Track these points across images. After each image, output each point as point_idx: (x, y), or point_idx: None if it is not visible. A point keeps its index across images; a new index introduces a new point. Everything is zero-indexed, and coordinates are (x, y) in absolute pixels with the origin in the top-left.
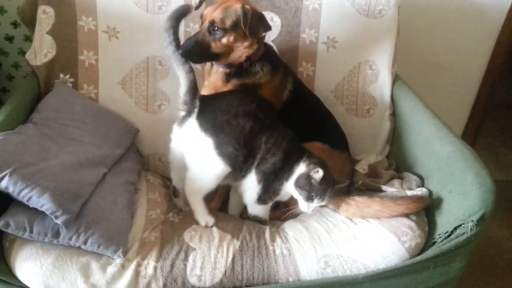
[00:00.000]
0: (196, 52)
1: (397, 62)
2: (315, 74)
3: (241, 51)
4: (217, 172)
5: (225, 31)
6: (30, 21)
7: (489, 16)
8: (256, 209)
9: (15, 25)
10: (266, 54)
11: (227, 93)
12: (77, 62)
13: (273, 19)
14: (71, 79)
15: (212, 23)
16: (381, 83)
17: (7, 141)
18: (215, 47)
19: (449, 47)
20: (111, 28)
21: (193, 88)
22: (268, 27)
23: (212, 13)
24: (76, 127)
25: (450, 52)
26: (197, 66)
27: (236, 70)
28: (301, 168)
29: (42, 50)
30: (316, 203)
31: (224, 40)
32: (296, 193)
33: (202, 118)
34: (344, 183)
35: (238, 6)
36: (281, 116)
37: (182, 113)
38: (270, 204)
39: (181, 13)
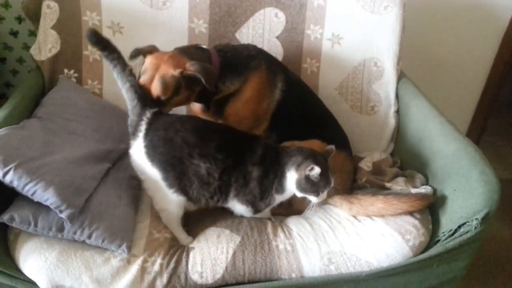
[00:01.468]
0: None
1: (402, 59)
2: (319, 70)
3: (188, 101)
4: (174, 203)
5: (170, 98)
6: (34, 16)
7: (495, 14)
8: (254, 216)
9: (19, 20)
10: (222, 67)
11: (186, 122)
12: (81, 57)
13: (278, 15)
14: (76, 74)
15: (158, 99)
16: (386, 80)
17: (11, 135)
18: (165, 109)
19: (454, 45)
20: (116, 24)
21: (139, 101)
22: (211, 79)
23: (150, 84)
24: (80, 122)
25: (456, 49)
26: None
27: (203, 97)
28: (291, 176)
29: (46, 45)
30: (326, 190)
31: (170, 105)
32: (304, 195)
33: (149, 147)
34: (331, 150)
35: (172, 72)
36: (277, 116)
37: (130, 132)
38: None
39: (94, 35)
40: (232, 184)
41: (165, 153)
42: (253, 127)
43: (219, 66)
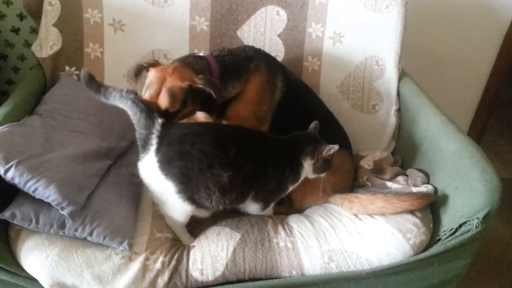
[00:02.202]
0: None
1: (403, 58)
2: (320, 69)
3: (193, 112)
4: (184, 212)
5: (178, 111)
6: (36, 13)
7: (497, 13)
8: (260, 213)
9: (21, 17)
10: (222, 72)
11: (201, 132)
12: (82, 54)
13: (279, 13)
14: (77, 72)
15: (166, 112)
16: (387, 79)
17: (13, 132)
18: (172, 121)
19: (456, 44)
20: (117, 21)
21: (143, 113)
22: (218, 91)
23: (156, 97)
24: (81, 119)
25: (457, 48)
26: None
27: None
28: (308, 163)
29: (48, 42)
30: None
31: (178, 118)
32: (318, 175)
33: (164, 161)
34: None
35: (180, 84)
36: (276, 116)
37: (140, 145)
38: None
39: (90, 79)
40: (253, 186)
41: (181, 167)
42: (255, 127)
43: (219, 72)
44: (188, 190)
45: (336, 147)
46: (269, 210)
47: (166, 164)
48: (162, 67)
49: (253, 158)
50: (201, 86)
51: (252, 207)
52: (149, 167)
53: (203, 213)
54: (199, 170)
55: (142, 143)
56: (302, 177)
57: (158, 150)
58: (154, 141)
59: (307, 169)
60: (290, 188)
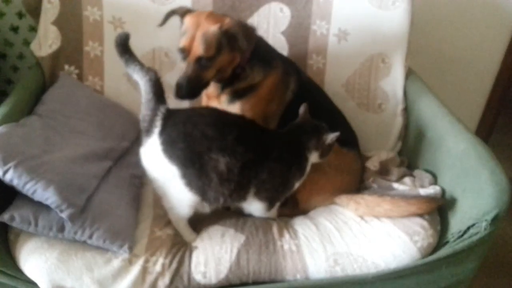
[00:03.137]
0: (191, 91)
1: (410, 56)
2: (325, 67)
3: (228, 68)
4: (188, 202)
5: (213, 58)
6: (35, 10)
7: (505, 11)
8: (265, 215)
9: (20, 15)
10: (254, 52)
11: (203, 115)
12: (82, 53)
13: (283, 10)
14: (76, 71)
15: (199, 58)
16: (393, 77)
17: (11, 133)
18: (206, 76)
19: (463, 42)
20: (117, 19)
21: (155, 96)
22: (251, 39)
23: (191, 44)
24: (81, 120)
25: (465, 46)
26: None
27: (228, 79)
28: (313, 155)
29: (47, 40)
30: None
31: (213, 67)
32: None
33: (167, 143)
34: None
35: (214, 28)
36: (286, 116)
37: (143, 128)
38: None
39: (123, 43)
40: (252, 180)
41: (184, 149)
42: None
43: (252, 50)
44: (192, 175)
45: (336, 134)
46: (274, 211)
47: (170, 146)
48: (198, 12)
49: (254, 148)
50: (230, 27)
51: (255, 206)
52: (153, 151)
53: (206, 208)
54: (198, 154)
55: (146, 126)
56: (307, 171)
57: (162, 132)
58: (158, 123)
59: (313, 159)
60: (297, 185)
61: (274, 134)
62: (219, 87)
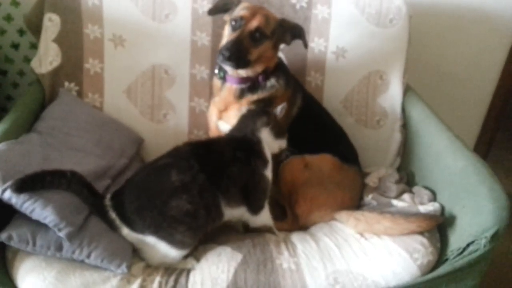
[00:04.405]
0: (237, 55)
1: (408, 72)
2: (324, 84)
3: (265, 62)
4: (178, 254)
5: (266, 38)
6: (36, 28)
7: (502, 26)
8: (258, 220)
9: (21, 32)
10: (278, 66)
11: (139, 176)
12: (82, 70)
13: None
14: (76, 87)
15: (258, 28)
16: (391, 94)
17: (11, 151)
18: (252, 53)
19: (461, 58)
20: (117, 36)
21: (92, 197)
22: (296, 37)
23: (252, 16)
24: (80, 137)
25: (463, 62)
26: (203, 76)
27: (250, 85)
28: (265, 133)
29: (47, 58)
30: None
31: (262, 48)
32: (280, 143)
33: (132, 221)
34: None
35: (275, 16)
36: (290, 132)
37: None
38: (267, 207)
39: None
40: (217, 194)
41: (146, 218)
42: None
43: (276, 66)
44: (166, 235)
45: (283, 105)
46: (266, 215)
47: (135, 225)
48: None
49: (202, 167)
50: (292, 23)
51: (238, 212)
52: (130, 239)
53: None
54: (160, 214)
55: (109, 226)
56: (268, 154)
57: (122, 220)
58: (113, 215)
59: (267, 139)
60: (269, 175)
61: (220, 141)
62: (238, 92)
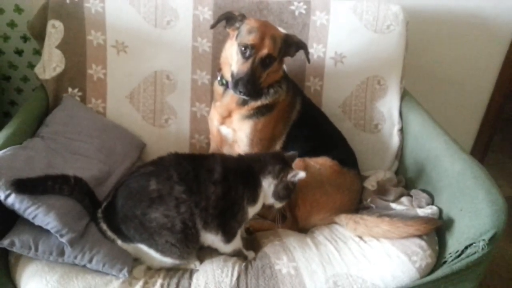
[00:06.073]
0: (252, 87)
1: (405, 77)
2: (322, 89)
3: (272, 78)
4: (175, 262)
5: (275, 60)
6: (39, 35)
7: (498, 31)
8: (228, 248)
9: (25, 38)
10: (285, 73)
11: (124, 187)
12: (85, 76)
13: None
14: (79, 93)
15: (269, 56)
16: (389, 98)
17: (15, 156)
18: (262, 77)
19: (458, 62)
20: (120, 43)
21: (90, 204)
22: (299, 49)
23: (262, 42)
24: (83, 142)
25: (459, 67)
26: (204, 82)
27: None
28: (268, 183)
29: (51, 64)
30: None
31: (270, 69)
32: (274, 202)
33: (124, 235)
34: (294, 156)
35: (280, 34)
36: (290, 136)
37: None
38: (239, 233)
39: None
40: (194, 212)
41: (132, 228)
42: (269, 147)
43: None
44: (155, 244)
45: (303, 174)
46: (237, 241)
47: (124, 235)
48: (257, 19)
49: (182, 180)
50: (296, 39)
51: (212, 239)
52: (126, 248)
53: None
54: (140, 224)
55: (104, 235)
56: (261, 200)
57: (113, 231)
58: (104, 226)
59: (267, 189)
60: (250, 212)
61: (216, 158)
62: (241, 100)
